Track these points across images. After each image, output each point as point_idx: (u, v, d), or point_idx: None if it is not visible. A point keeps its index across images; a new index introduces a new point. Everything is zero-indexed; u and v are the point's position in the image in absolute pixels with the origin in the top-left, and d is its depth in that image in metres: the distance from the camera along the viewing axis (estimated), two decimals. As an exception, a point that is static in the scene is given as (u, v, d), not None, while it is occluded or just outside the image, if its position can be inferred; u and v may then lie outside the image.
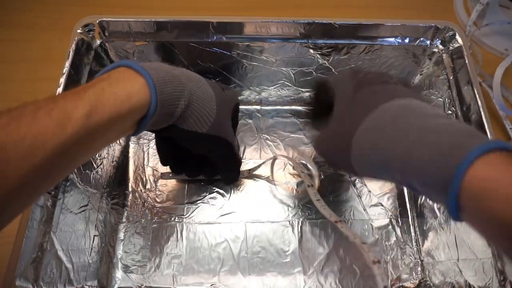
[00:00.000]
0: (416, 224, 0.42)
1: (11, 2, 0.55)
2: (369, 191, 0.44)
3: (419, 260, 0.41)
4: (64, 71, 0.37)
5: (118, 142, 0.45)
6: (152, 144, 0.47)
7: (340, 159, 0.30)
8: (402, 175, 0.25)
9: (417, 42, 0.42)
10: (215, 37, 0.41)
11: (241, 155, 0.46)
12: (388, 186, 0.45)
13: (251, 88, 0.47)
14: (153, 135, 0.47)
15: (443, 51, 0.42)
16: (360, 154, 0.28)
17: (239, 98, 0.49)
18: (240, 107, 0.49)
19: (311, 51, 0.42)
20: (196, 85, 0.33)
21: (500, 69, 0.48)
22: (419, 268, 0.40)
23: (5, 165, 0.22)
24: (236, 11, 0.56)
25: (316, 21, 0.40)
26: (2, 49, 0.52)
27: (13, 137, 0.22)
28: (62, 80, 0.37)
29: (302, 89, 0.48)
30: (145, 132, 0.47)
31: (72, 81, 0.38)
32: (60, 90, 0.36)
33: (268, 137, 0.47)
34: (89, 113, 0.24)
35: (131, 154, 0.46)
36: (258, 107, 0.49)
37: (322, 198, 0.39)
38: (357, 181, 0.44)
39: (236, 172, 0.41)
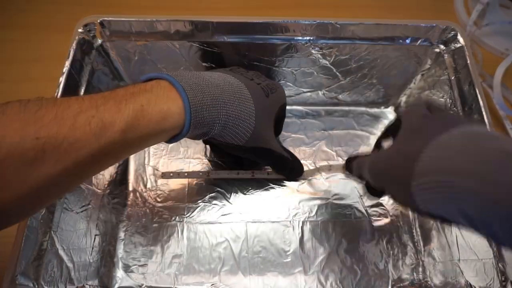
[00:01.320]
0: (417, 224, 0.42)
1: (10, 2, 0.55)
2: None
3: (420, 261, 0.41)
4: (64, 70, 0.37)
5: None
6: (153, 143, 0.47)
7: (397, 186, 0.26)
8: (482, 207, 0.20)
9: (418, 42, 0.42)
10: (216, 37, 0.41)
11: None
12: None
13: (252, 87, 0.47)
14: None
15: (445, 51, 0.41)
16: (424, 180, 0.23)
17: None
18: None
19: (312, 51, 0.42)
20: (235, 103, 0.32)
21: (500, 69, 0.48)
22: (420, 269, 0.40)
23: (40, 163, 0.22)
24: (236, 10, 0.56)
25: (318, 21, 0.40)
26: (7, 49, 0.52)
27: (52, 139, 0.23)
28: (62, 80, 0.37)
29: (303, 89, 0.48)
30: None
31: (73, 80, 0.38)
32: (60, 89, 0.36)
33: (269, 137, 0.47)
34: (125, 129, 0.25)
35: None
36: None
37: (324, 199, 0.40)
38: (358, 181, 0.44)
39: (290, 170, 0.41)
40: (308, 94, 0.48)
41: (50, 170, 0.23)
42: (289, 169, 0.42)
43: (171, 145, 0.47)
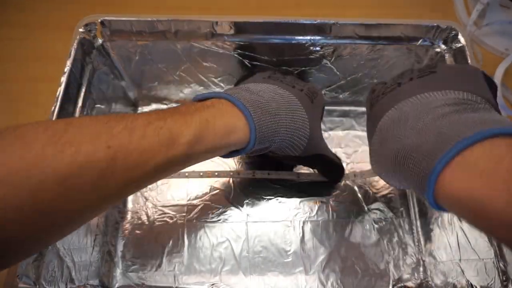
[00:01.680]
0: (418, 224, 0.42)
1: (9, 1, 0.55)
2: (371, 191, 0.44)
3: (421, 260, 0.41)
4: (65, 70, 0.37)
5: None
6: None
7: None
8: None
9: (419, 41, 0.42)
10: (217, 37, 0.41)
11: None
12: (389, 185, 0.44)
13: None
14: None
15: (446, 51, 0.41)
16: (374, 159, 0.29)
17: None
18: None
19: (313, 50, 0.42)
20: (289, 115, 0.32)
21: (501, 69, 0.49)
22: (421, 268, 0.40)
23: (110, 173, 0.22)
24: (236, 10, 0.56)
25: (318, 20, 0.40)
26: (7, 48, 0.52)
27: (123, 148, 0.23)
28: (64, 79, 0.37)
29: (304, 89, 0.48)
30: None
31: (74, 79, 0.38)
32: (62, 88, 0.36)
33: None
34: (192, 142, 0.26)
35: (132, 154, 0.46)
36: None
37: (323, 199, 0.40)
38: (359, 181, 0.44)
39: (335, 172, 0.42)
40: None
41: (119, 180, 0.23)
42: (335, 171, 0.42)
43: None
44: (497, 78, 0.48)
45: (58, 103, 0.35)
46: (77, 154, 0.21)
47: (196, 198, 0.43)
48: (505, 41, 0.53)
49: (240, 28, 0.40)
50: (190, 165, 0.28)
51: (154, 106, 0.49)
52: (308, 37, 0.41)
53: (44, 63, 0.49)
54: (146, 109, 0.49)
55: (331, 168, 0.41)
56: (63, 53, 0.38)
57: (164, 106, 0.49)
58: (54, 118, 0.35)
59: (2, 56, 0.51)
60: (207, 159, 0.29)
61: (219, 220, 0.42)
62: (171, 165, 0.25)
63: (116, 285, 0.39)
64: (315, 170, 0.43)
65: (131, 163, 0.23)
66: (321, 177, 0.43)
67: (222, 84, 0.47)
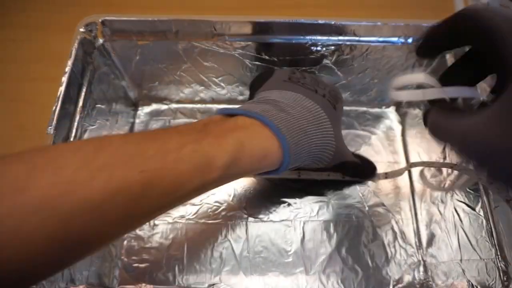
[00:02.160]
0: (419, 224, 0.42)
1: (9, 1, 0.55)
2: (372, 191, 0.44)
3: (421, 261, 0.41)
4: (66, 70, 0.37)
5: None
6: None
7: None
8: None
9: (420, 42, 0.41)
10: (217, 37, 0.41)
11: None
12: (390, 186, 0.44)
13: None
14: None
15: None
16: None
17: (241, 98, 0.49)
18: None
19: (314, 50, 0.42)
20: (317, 130, 0.31)
21: None
22: (422, 269, 0.40)
23: (146, 198, 0.22)
24: (236, 10, 0.55)
25: (319, 21, 0.40)
26: (7, 49, 0.52)
27: (158, 172, 0.22)
28: (65, 79, 0.37)
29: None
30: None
31: (74, 80, 0.38)
32: (62, 89, 0.36)
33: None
34: (228, 165, 0.25)
35: (133, 154, 0.46)
36: (260, 106, 0.49)
37: (324, 198, 0.39)
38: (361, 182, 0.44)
39: (362, 174, 0.42)
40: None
41: (152, 204, 0.22)
42: (361, 173, 0.42)
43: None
44: None
45: (59, 103, 0.35)
46: (110, 180, 0.20)
47: (196, 198, 0.43)
48: (505, 41, 0.53)
49: (240, 28, 0.40)
50: (221, 185, 0.28)
51: (154, 106, 0.49)
52: (309, 37, 0.41)
53: (45, 64, 0.49)
54: (146, 109, 0.49)
55: (360, 170, 0.41)
56: (64, 54, 0.38)
57: (165, 106, 0.49)
58: (55, 118, 0.35)
59: (3, 57, 0.51)
60: (238, 178, 0.29)
61: (220, 220, 0.42)
62: (205, 187, 0.25)
63: (116, 285, 0.39)
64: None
65: (166, 188, 0.22)
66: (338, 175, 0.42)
67: (222, 84, 0.47)
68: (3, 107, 0.48)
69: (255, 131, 0.28)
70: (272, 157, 0.28)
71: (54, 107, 0.35)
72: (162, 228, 0.42)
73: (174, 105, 0.49)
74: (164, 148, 0.23)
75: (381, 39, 0.41)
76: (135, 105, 0.49)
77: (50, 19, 0.54)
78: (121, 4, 0.55)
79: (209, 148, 0.24)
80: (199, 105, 0.50)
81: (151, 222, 0.42)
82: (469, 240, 0.36)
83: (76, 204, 0.19)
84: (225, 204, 0.43)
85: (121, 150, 0.22)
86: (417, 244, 0.42)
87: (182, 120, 0.49)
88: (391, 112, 0.50)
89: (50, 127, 0.34)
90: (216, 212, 0.43)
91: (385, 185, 0.44)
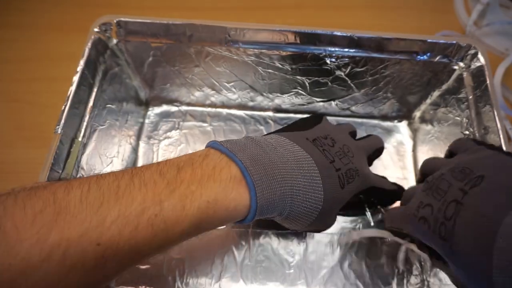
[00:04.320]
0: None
1: (17, 1, 0.56)
2: (377, 207, 0.43)
3: (425, 281, 0.40)
4: (78, 69, 0.37)
5: (129, 141, 0.45)
6: (162, 144, 0.47)
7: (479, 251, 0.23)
8: None
9: (437, 58, 0.41)
10: (231, 43, 0.41)
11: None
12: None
13: (264, 94, 0.47)
14: (163, 135, 0.47)
15: (464, 69, 0.41)
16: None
17: (252, 104, 0.49)
18: (253, 112, 0.49)
19: (328, 61, 0.42)
20: (303, 198, 0.29)
21: (501, 69, 0.48)
22: (425, 289, 0.40)
23: (100, 269, 0.22)
24: (237, 10, 0.55)
25: (335, 32, 0.39)
26: (7, 49, 0.52)
27: (114, 245, 0.22)
28: (76, 78, 0.37)
29: (316, 99, 0.47)
30: (155, 132, 0.48)
31: (85, 80, 0.38)
32: (73, 88, 0.36)
33: (278, 144, 0.47)
34: (188, 230, 0.25)
35: (140, 154, 0.46)
36: (270, 113, 0.49)
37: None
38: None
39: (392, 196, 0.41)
40: (321, 104, 0.47)
41: (108, 273, 0.23)
42: (391, 196, 0.41)
43: (180, 147, 0.47)
44: (497, 78, 0.47)
45: (69, 103, 0.35)
46: (64, 257, 0.20)
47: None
48: (505, 41, 0.53)
49: (254, 35, 0.40)
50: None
51: (165, 107, 0.49)
52: (323, 48, 0.41)
53: (45, 64, 0.50)
54: (157, 109, 0.49)
55: (385, 197, 0.40)
56: (76, 54, 0.38)
57: (175, 108, 0.49)
58: (63, 118, 0.34)
59: (4, 57, 0.51)
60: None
61: (223, 226, 0.42)
62: (164, 249, 0.25)
63: (116, 287, 0.39)
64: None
65: (121, 258, 0.22)
66: None
67: (233, 89, 0.47)
68: (3, 107, 0.48)
69: (228, 187, 0.26)
70: (237, 214, 0.27)
71: (63, 107, 0.35)
72: (165, 231, 0.42)
73: (184, 107, 0.49)
74: (125, 215, 0.22)
75: (396, 53, 0.40)
76: (145, 105, 0.49)
77: (50, 20, 0.54)
78: (121, 5, 0.55)
79: (171, 213, 0.24)
80: (209, 109, 0.49)
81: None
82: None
83: (31, 286, 0.20)
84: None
85: (79, 218, 0.21)
86: (422, 263, 0.41)
87: (191, 123, 0.48)
88: (403, 126, 0.49)
89: (58, 127, 0.34)
90: (220, 218, 0.42)
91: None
